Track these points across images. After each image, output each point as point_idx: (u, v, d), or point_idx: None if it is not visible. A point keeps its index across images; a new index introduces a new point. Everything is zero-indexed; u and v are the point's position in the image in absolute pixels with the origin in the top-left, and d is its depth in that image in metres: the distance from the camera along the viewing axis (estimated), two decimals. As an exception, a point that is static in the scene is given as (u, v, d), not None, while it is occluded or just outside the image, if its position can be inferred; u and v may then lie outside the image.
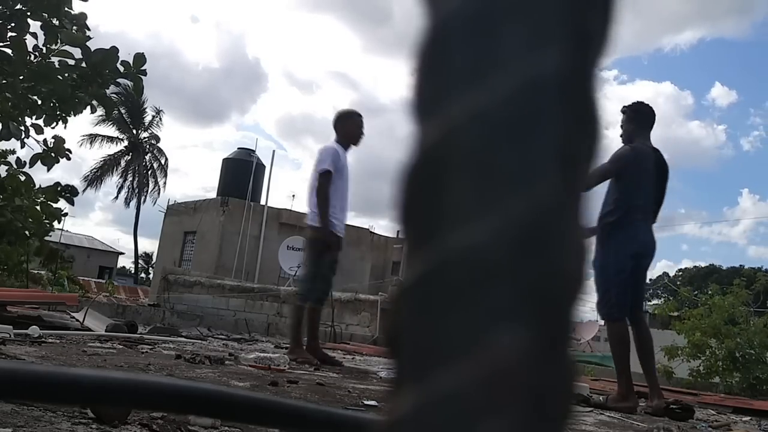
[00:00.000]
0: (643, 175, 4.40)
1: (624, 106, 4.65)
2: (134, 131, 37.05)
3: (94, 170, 37.21)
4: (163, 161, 38.68)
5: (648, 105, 4.66)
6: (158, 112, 37.51)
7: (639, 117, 4.57)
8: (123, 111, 33.87)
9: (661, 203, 4.61)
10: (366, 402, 3.11)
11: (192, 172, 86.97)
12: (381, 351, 6.71)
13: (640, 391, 4.53)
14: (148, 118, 37.38)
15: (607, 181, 4.48)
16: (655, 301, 35.90)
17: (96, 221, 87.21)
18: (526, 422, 0.20)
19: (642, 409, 4.24)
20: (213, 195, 22.54)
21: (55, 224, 4.43)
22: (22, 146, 3.91)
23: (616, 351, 4.41)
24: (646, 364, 4.40)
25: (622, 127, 4.62)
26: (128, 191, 38.44)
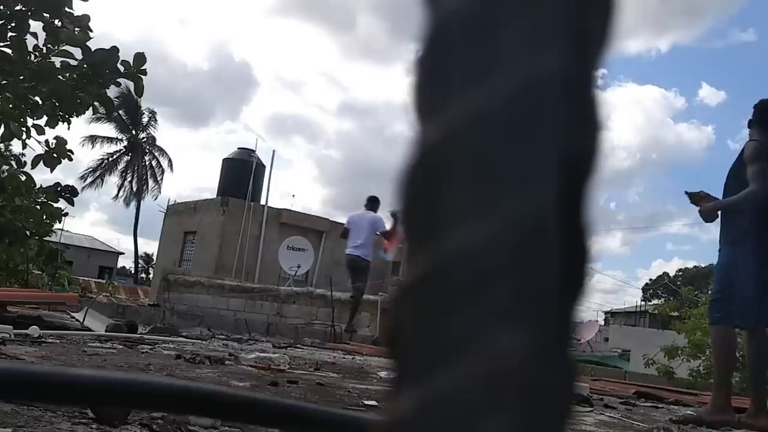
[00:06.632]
0: None
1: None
2: (133, 131, 37.07)
3: (91, 169, 37.21)
4: (163, 162, 38.74)
5: None
6: (152, 113, 37.57)
7: (760, 115, 4.14)
8: (121, 111, 33.84)
9: None
10: (366, 402, 3.11)
11: (185, 173, 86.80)
12: (381, 351, 6.71)
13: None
14: (145, 119, 37.44)
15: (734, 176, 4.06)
16: (655, 301, 35.96)
17: (92, 221, 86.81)
18: (525, 422, 0.20)
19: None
20: (207, 195, 22.50)
21: (55, 224, 4.44)
22: (24, 147, 3.92)
23: (722, 359, 4.06)
24: (757, 378, 4.03)
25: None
26: (127, 191, 38.47)
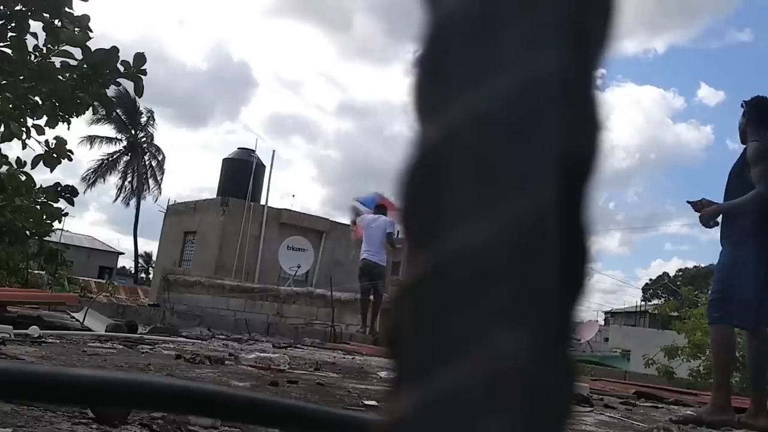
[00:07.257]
0: None
1: (744, 101, 4.25)
2: (132, 131, 37.06)
3: (91, 170, 37.22)
4: (160, 158, 38.74)
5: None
6: (150, 112, 37.56)
7: (757, 113, 4.13)
8: (120, 111, 33.81)
9: None
10: (366, 402, 3.11)
11: (184, 173, 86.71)
12: (381, 351, 6.71)
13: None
14: (144, 119, 37.43)
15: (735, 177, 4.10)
16: (655, 301, 35.93)
17: (92, 221, 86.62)
18: (525, 422, 0.20)
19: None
20: (207, 196, 22.48)
21: (55, 224, 4.44)
22: (24, 147, 3.92)
23: (721, 359, 4.10)
24: (757, 377, 4.04)
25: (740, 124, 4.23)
26: (127, 191, 38.47)
